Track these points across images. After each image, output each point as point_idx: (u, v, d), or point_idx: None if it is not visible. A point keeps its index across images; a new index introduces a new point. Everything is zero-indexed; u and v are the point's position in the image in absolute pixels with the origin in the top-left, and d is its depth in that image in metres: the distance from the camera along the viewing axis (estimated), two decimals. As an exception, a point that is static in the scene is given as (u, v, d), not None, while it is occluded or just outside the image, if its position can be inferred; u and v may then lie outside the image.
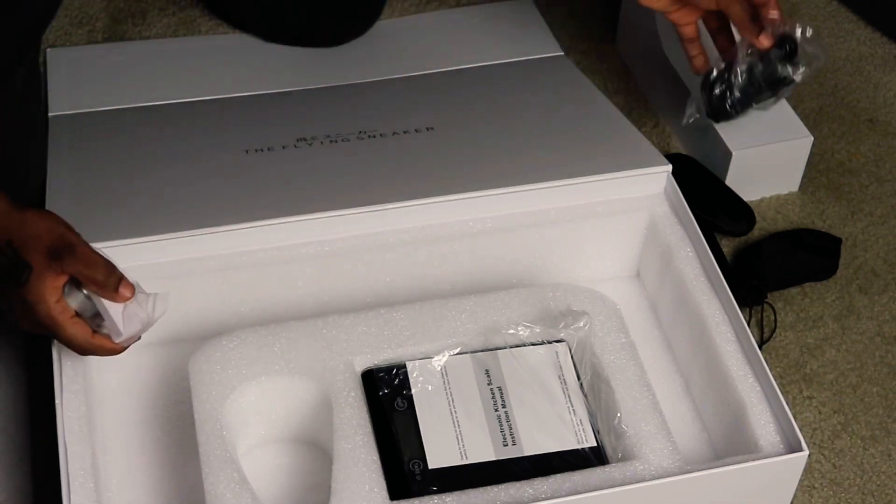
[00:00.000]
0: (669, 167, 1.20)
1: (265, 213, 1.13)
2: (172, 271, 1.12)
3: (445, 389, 1.08)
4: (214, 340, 1.07)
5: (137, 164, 1.22)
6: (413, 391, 1.07)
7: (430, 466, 1.03)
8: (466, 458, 1.04)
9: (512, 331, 1.10)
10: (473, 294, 1.13)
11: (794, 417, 1.05)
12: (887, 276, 1.38)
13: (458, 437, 1.05)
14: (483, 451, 1.04)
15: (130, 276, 1.11)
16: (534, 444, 1.05)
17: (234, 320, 1.14)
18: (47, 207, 1.14)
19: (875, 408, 1.26)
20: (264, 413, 1.07)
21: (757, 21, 1.25)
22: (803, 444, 1.02)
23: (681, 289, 1.15)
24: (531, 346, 1.10)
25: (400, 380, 1.07)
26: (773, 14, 1.25)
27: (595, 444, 1.05)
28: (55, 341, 1.04)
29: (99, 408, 1.08)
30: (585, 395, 1.08)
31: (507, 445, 1.05)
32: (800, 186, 1.46)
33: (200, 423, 1.01)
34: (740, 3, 1.24)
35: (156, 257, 1.12)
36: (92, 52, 1.49)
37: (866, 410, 1.25)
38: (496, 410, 1.07)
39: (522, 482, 1.00)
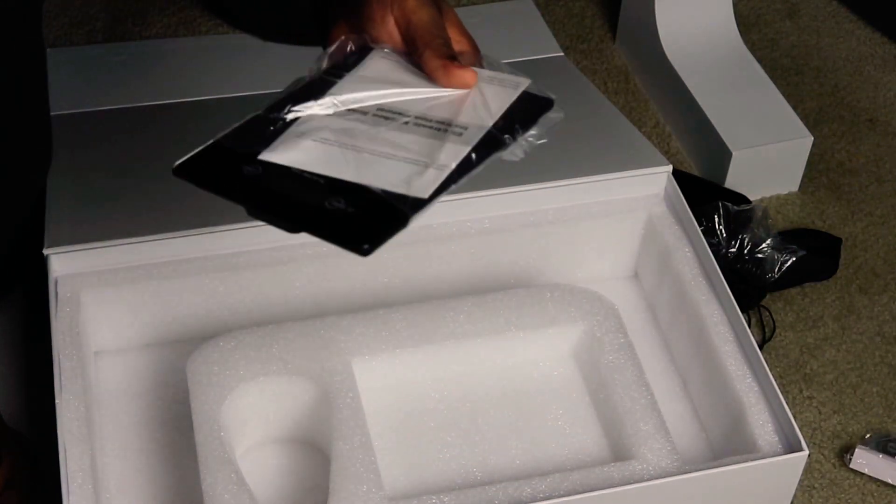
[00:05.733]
0: (670, 167, 1.20)
1: (264, 213, 1.13)
2: (172, 271, 1.12)
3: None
4: (212, 341, 1.07)
5: (137, 164, 1.22)
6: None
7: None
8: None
9: None
10: (472, 295, 1.13)
11: (795, 417, 1.05)
12: (887, 276, 1.38)
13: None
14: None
15: (130, 275, 1.11)
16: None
17: (233, 321, 1.14)
18: (47, 208, 1.14)
19: (875, 408, 1.25)
20: (262, 414, 1.07)
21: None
22: (803, 444, 1.01)
23: (679, 289, 1.15)
24: None
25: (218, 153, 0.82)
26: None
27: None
28: (54, 342, 1.04)
29: (98, 408, 1.08)
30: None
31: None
32: (800, 186, 1.46)
33: (198, 423, 1.01)
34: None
35: (155, 257, 1.12)
36: (92, 52, 1.49)
37: (866, 410, 1.25)
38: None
39: (520, 481, 0.99)
